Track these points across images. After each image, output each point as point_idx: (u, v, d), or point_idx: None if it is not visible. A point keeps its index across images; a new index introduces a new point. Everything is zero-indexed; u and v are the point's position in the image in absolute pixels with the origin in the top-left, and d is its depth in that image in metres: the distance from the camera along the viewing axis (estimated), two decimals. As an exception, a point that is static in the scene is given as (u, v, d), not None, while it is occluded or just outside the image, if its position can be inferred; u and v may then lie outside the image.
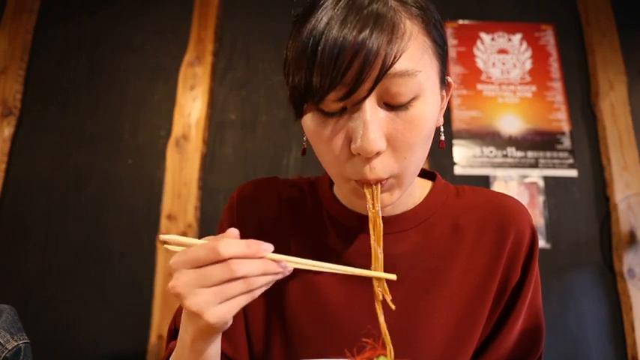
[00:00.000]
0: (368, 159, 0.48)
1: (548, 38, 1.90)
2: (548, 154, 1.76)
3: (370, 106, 0.47)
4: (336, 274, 0.61)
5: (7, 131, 1.74)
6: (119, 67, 1.84)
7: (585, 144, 1.78)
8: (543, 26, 1.92)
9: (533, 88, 1.84)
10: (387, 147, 0.49)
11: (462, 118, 1.81)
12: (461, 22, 1.93)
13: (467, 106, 1.82)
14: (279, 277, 0.45)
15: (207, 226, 1.67)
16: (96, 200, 1.70)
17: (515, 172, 1.75)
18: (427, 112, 0.50)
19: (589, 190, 1.73)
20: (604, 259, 1.66)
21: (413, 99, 0.48)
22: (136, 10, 1.90)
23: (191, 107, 1.79)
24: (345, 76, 0.45)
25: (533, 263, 0.62)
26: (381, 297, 0.49)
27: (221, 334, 0.50)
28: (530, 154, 1.77)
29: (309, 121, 0.51)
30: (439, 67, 0.52)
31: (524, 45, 1.89)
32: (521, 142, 1.78)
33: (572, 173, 1.74)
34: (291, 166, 1.76)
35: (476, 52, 1.89)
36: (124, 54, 1.85)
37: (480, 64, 1.87)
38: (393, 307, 0.48)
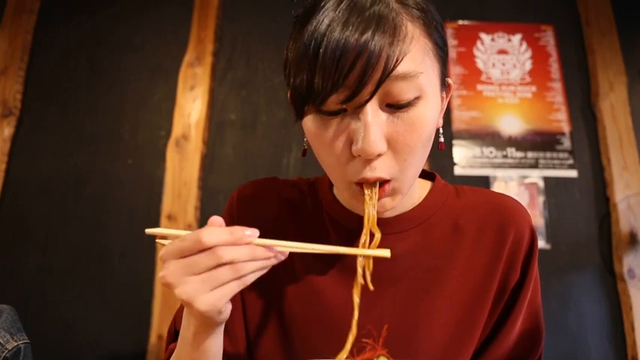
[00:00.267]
0: (368, 160, 0.49)
1: (548, 39, 1.90)
2: (548, 154, 1.76)
3: (371, 108, 0.47)
4: (335, 273, 0.61)
5: (7, 131, 1.74)
6: (119, 68, 1.84)
7: (585, 144, 1.78)
8: (543, 27, 1.92)
9: (533, 88, 1.84)
10: (387, 149, 0.49)
11: (461, 118, 1.81)
12: (461, 22, 1.93)
13: (467, 106, 1.82)
14: (272, 262, 0.45)
15: (207, 227, 1.67)
16: (96, 200, 1.70)
17: (515, 173, 1.75)
18: (428, 114, 0.50)
19: (589, 191, 1.73)
20: (604, 260, 1.66)
21: (414, 101, 0.48)
22: (135, 11, 1.90)
23: (191, 107, 1.79)
24: (348, 78, 0.45)
25: (533, 263, 0.62)
26: (361, 275, 0.49)
27: (223, 329, 0.50)
28: (530, 154, 1.77)
29: (309, 122, 0.51)
30: (440, 68, 0.53)
31: (524, 45, 1.90)
32: (521, 143, 1.78)
33: (572, 174, 1.74)
34: (291, 166, 1.76)
35: (476, 52, 1.89)
36: (124, 54, 1.85)
37: (479, 64, 1.87)
38: (371, 287, 0.48)
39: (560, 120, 1.80)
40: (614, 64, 1.84)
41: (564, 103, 1.82)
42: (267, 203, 0.67)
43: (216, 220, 0.45)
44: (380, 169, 0.49)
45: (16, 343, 0.76)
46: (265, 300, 0.64)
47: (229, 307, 0.46)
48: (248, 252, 0.43)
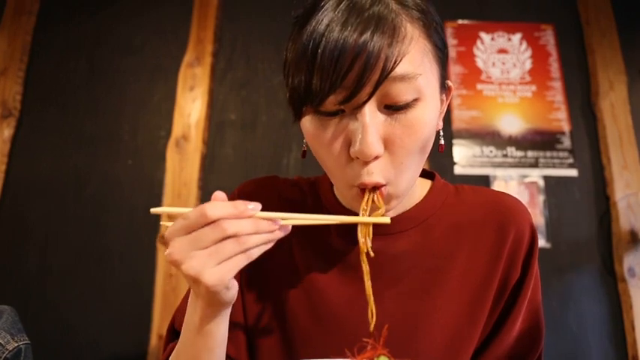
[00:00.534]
0: (366, 162, 0.48)
1: (548, 38, 1.90)
2: (548, 153, 1.76)
3: (369, 109, 0.47)
4: (337, 273, 0.61)
5: (7, 132, 1.74)
6: (119, 68, 1.84)
7: (585, 143, 1.78)
8: (543, 26, 1.92)
9: (533, 87, 1.84)
10: (384, 151, 0.49)
11: (461, 117, 1.81)
12: (460, 21, 1.93)
13: (467, 105, 1.82)
14: (276, 235, 0.45)
15: (208, 227, 1.67)
16: (96, 201, 1.70)
17: (515, 172, 1.75)
18: (426, 116, 0.49)
19: (589, 190, 1.73)
20: (604, 259, 1.66)
21: (412, 102, 0.48)
22: (135, 11, 1.90)
23: (191, 108, 1.79)
24: (346, 79, 0.45)
25: (533, 262, 0.62)
26: (365, 248, 0.50)
27: (228, 315, 0.50)
28: (530, 153, 1.77)
29: (307, 123, 0.51)
30: (439, 70, 0.52)
31: (524, 45, 1.90)
32: (521, 142, 1.78)
33: (573, 173, 1.74)
34: (291, 166, 1.76)
35: (476, 51, 1.89)
36: (124, 55, 1.85)
37: (479, 63, 1.87)
38: (372, 254, 0.49)
39: (560, 119, 1.80)
40: (614, 64, 1.84)
41: (564, 103, 1.82)
42: (267, 202, 0.67)
43: (220, 194, 0.45)
44: (376, 173, 0.49)
45: (16, 344, 0.76)
46: (266, 301, 0.63)
47: (236, 286, 0.46)
48: (252, 224, 0.43)
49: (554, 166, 1.75)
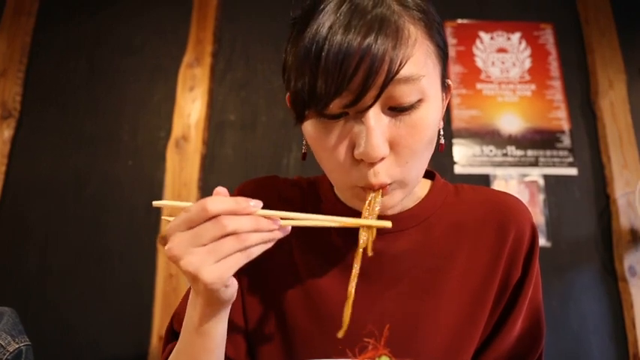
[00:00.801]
0: (371, 164, 0.48)
1: (548, 37, 1.90)
2: (548, 152, 1.76)
3: (374, 111, 0.47)
4: (337, 273, 0.61)
5: (7, 133, 1.74)
6: (119, 68, 1.84)
7: (585, 142, 1.78)
8: (542, 25, 1.92)
9: (533, 86, 1.84)
10: (389, 152, 0.49)
11: (461, 117, 1.81)
12: (460, 21, 1.93)
13: (466, 105, 1.82)
14: (276, 235, 0.45)
15: (208, 227, 1.67)
16: (96, 201, 1.70)
17: (515, 171, 1.75)
18: (430, 116, 0.50)
19: (589, 189, 1.73)
20: (604, 257, 1.66)
21: (416, 104, 0.48)
22: (135, 11, 1.90)
23: (190, 108, 1.79)
24: (351, 82, 0.44)
25: (534, 261, 0.62)
26: (363, 245, 0.49)
27: (227, 315, 0.50)
28: (530, 152, 1.77)
29: (310, 126, 0.51)
30: (441, 70, 0.52)
31: (524, 44, 1.90)
32: (521, 141, 1.78)
33: (573, 172, 1.74)
34: (291, 166, 1.76)
35: (475, 51, 1.89)
36: (124, 55, 1.85)
37: (479, 63, 1.87)
38: (370, 253, 0.49)
39: (560, 118, 1.80)
40: (614, 62, 1.84)
41: (564, 101, 1.82)
42: (267, 202, 0.67)
43: (222, 190, 0.45)
44: (382, 173, 0.49)
45: (17, 346, 0.76)
46: (266, 303, 0.63)
47: (235, 284, 0.46)
48: (252, 222, 0.43)
49: (554, 165, 1.75)
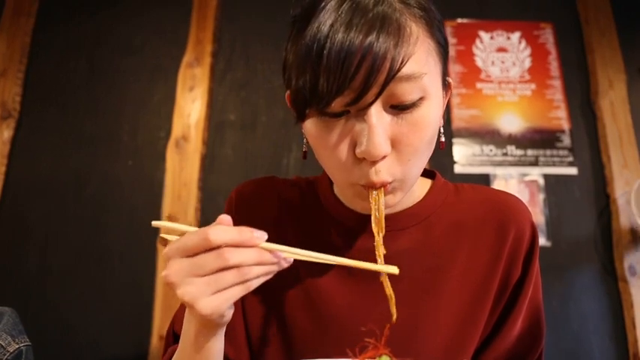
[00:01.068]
0: (373, 162, 0.48)
1: (547, 36, 1.90)
2: (548, 152, 1.76)
3: (375, 109, 0.47)
4: (337, 273, 0.61)
5: (7, 133, 1.74)
6: (118, 69, 1.84)
7: (585, 142, 1.78)
8: (542, 25, 1.92)
9: (533, 86, 1.84)
10: (391, 150, 0.48)
11: (461, 116, 1.81)
12: (460, 20, 1.93)
13: (466, 104, 1.82)
14: (277, 268, 0.44)
15: (208, 227, 1.67)
16: (96, 201, 1.70)
17: (515, 171, 1.75)
18: (431, 114, 0.50)
19: (589, 188, 1.73)
20: (604, 257, 1.66)
21: (418, 102, 0.48)
22: (135, 11, 1.90)
23: (190, 108, 1.79)
24: (353, 80, 0.44)
25: (534, 260, 0.62)
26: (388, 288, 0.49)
27: (224, 330, 0.50)
28: (530, 152, 1.77)
29: (311, 125, 0.51)
30: (441, 68, 0.52)
31: (524, 43, 1.89)
32: (521, 141, 1.78)
33: (573, 171, 1.74)
34: (291, 166, 1.76)
35: (475, 50, 1.89)
36: (124, 55, 1.85)
37: (479, 62, 1.87)
38: (383, 251, 0.50)
39: (560, 118, 1.80)
40: (614, 62, 1.84)
41: (564, 101, 1.82)
42: (266, 203, 0.67)
43: (225, 218, 0.44)
44: (384, 171, 0.49)
45: (17, 346, 0.76)
46: (266, 303, 0.63)
47: (232, 310, 0.46)
48: (255, 256, 0.42)
49: (554, 164, 1.75)
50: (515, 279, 0.61)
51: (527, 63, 1.87)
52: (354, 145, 0.49)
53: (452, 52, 1.89)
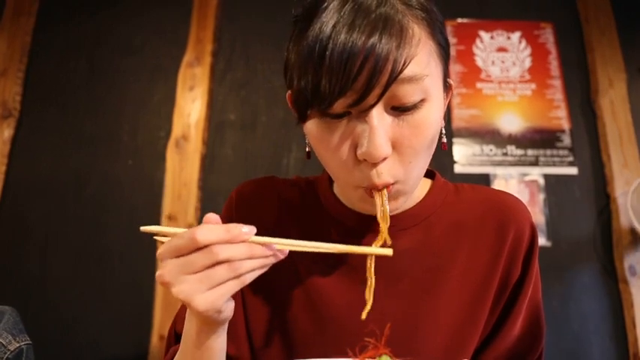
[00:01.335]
0: (374, 164, 0.48)
1: (548, 36, 1.90)
2: (548, 151, 1.76)
3: (377, 111, 0.47)
4: (337, 273, 0.61)
5: (7, 133, 1.74)
6: (119, 68, 1.84)
7: (585, 141, 1.78)
8: (542, 24, 1.92)
9: (533, 86, 1.84)
10: (392, 152, 0.48)
11: (461, 116, 1.81)
12: (460, 20, 1.93)
13: (466, 104, 1.82)
14: (271, 260, 0.44)
15: (208, 227, 1.67)
16: (96, 201, 1.70)
17: (515, 170, 1.75)
18: (432, 116, 0.50)
19: (589, 188, 1.73)
20: (605, 257, 1.66)
21: (419, 103, 0.48)
22: (135, 11, 1.90)
23: (190, 108, 1.79)
24: (356, 82, 0.44)
25: (534, 260, 0.62)
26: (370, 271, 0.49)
27: (226, 327, 0.50)
28: (530, 152, 1.77)
29: (312, 126, 0.51)
30: (443, 69, 0.52)
31: (524, 43, 1.89)
32: (521, 140, 1.78)
33: (573, 171, 1.74)
34: (291, 166, 1.76)
35: (475, 50, 1.89)
36: (124, 55, 1.85)
37: (479, 62, 1.87)
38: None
39: (560, 117, 1.80)
40: (614, 61, 1.84)
41: (564, 101, 1.82)
42: (266, 203, 0.67)
43: (212, 217, 0.44)
44: (386, 173, 0.49)
45: (18, 345, 0.76)
46: (267, 303, 0.63)
47: (231, 305, 0.46)
48: (245, 250, 0.42)
49: (554, 164, 1.75)
50: (515, 279, 0.61)
51: (528, 63, 1.87)
52: (355, 147, 0.49)
53: (452, 51, 1.88)
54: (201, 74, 1.82)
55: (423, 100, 0.48)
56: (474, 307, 0.60)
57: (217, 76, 1.85)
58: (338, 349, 0.50)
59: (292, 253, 0.63)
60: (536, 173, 1.74)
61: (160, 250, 0.43)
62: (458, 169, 1.75)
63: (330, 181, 0.67)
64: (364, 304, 0.59)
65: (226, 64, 1.86)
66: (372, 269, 0.49)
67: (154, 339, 1.57)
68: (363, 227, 0.62)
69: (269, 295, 0.63)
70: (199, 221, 1.68)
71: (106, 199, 1.70)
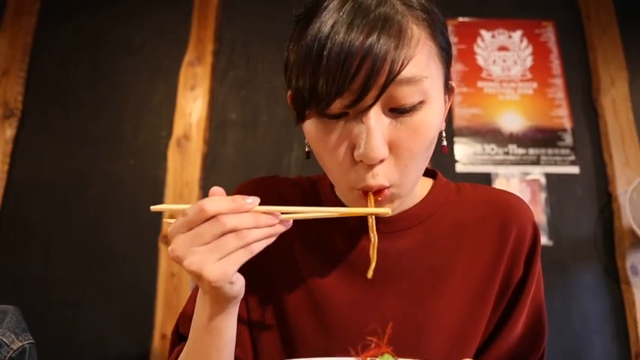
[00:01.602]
0: (370, 166, 0.48)
1: (549, 35, 1.90)
2: (550, 150, 1.76)
3: (374, 112, 0.46)
4: (339, 273, 0.61)
5: (9, 133, 1.74)
6: (119, 68, 1.84)
7: (587, 140, 1.77)
8: (544, 23, 1.91)
9: (534, 85, 1.84)
10: (389, 154, 0.48)
11: (462, 115, 1.81)
12: (461, 19, 1.92)
13: (468, 103, 1.82)
14: (277, 230, 0.45)
15: (209, 226, 1.67)
16: (98, 201, 1.70)
17: (516, 170, 1.75)
18: (431, 119, 0.49)
19: (591, 187, 1.73)
20: (606, 256, 1.66)
21: (418, 105, 0.48)
22: (135, 11, 1.90)
23: (192, 107, 1.79)
24: (353, 82, 0.44)
25: (536, 259, 0.61)
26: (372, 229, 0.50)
27: (236, 311, 0.50)
28: (531, 151, 1.76)
29: (310, 126, 0.51)
30: (444, 71, 0.52)
31: (525, 42, 1.89)
32: (522, 140, 1.78)
33: (574, 170, 1.74)
34: (292, 165, 1.76)
35: (476, 49, 1.89)
36: (125, 55, 1.85)
37: (480, 61, 1.87)
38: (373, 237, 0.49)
39: (562, 116, 1.80)
40: (615, 60, 1.83)
41: (565, 99, 1.81)
42: (267, 202, 0.67)
43: (217, 189, 0.46)
44: (381, 176, 0.49)
45: (21, 344, 0.76)
46: (269, 303, 0.63)
47: (241, 280, 0.46)
48: (251, 219, 0.44)
49: (555, 163, 1.75)
50: (517, 278, 0.61)
51: (529, 61, 1.87)
52: (352, 148, 0.49)
53: (453, 51, 1.87)
54: (202, 74, 1.82)
55: (421, 102, 0.48)
56: (476, 306, 0.60)
57: (218, 75, 1.85)
58: (340, 349, 0.50)
59: (295, 255, 0.63)
60: (537, 172, 1.74)
61: (170, 228, 0.45)
62: (459, 168, 1.75)
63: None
64: (366, 303, 0.59)
65: (227, 64, 1.86)
66: (374, 227, 0.50)
67: (156, 338, 1.58)
68: (364, 227, 0.62)
69: (271, 295, 0.63)
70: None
71: (109, 198, 1.70)
